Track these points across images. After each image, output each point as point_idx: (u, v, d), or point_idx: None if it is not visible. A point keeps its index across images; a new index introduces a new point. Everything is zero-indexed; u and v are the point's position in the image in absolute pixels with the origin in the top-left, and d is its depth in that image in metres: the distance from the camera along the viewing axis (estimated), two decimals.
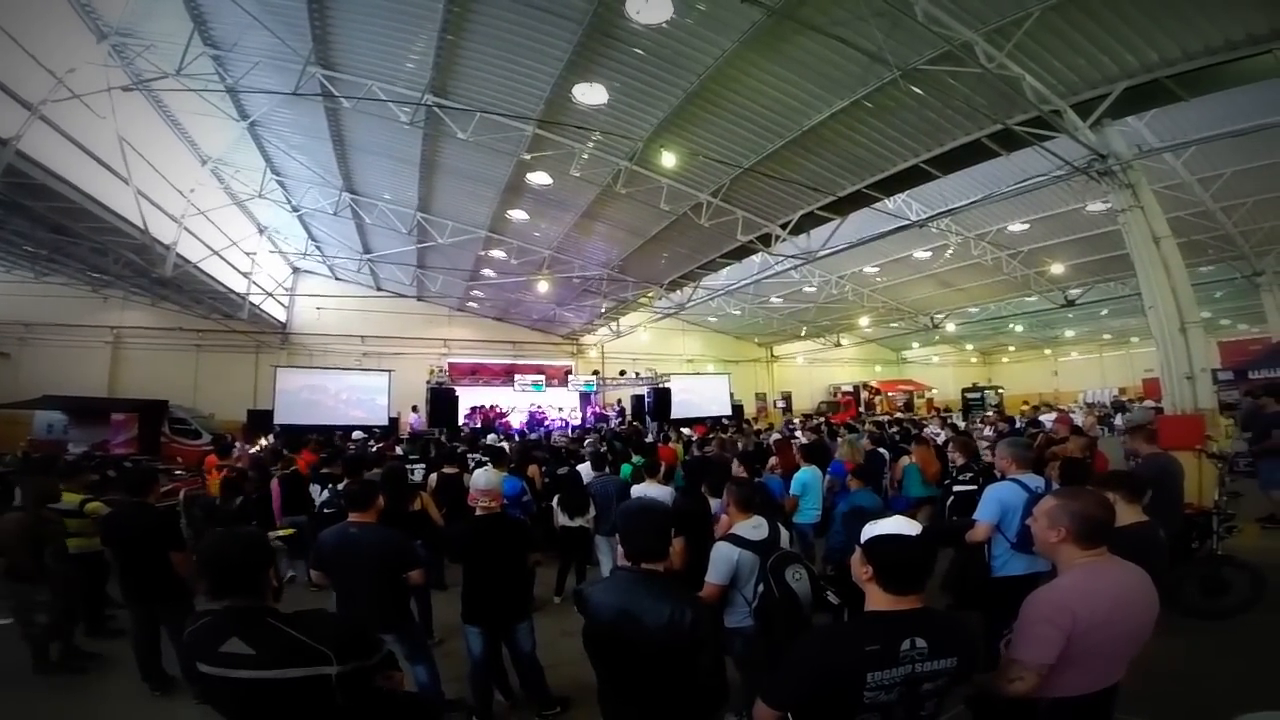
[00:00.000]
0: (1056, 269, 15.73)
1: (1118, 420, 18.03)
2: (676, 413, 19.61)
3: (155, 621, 4.32)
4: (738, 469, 6.78)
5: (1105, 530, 2.10)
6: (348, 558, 3.52)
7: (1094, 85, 7.22)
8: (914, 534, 1.78)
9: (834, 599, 3.39)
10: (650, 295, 18.61)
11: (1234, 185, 10.45)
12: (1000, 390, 26.78)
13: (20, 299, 15.02)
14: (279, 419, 16.35)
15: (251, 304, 15.63)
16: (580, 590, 2.38)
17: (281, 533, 5.08)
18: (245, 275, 14.91)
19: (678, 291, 17.95)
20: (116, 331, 17.34)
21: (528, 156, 10.20)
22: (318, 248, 17.79)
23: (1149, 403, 16.31)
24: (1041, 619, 1.97)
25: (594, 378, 22.84)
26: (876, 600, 1.80)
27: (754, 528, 3.55)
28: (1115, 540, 2.13)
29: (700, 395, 21.45)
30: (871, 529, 1.83)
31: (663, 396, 20.25)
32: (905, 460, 7.63)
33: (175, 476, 10.29)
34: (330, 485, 6.66)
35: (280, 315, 19.50)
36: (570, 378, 22.72)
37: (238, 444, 11.78)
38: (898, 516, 1.87)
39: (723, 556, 3.42)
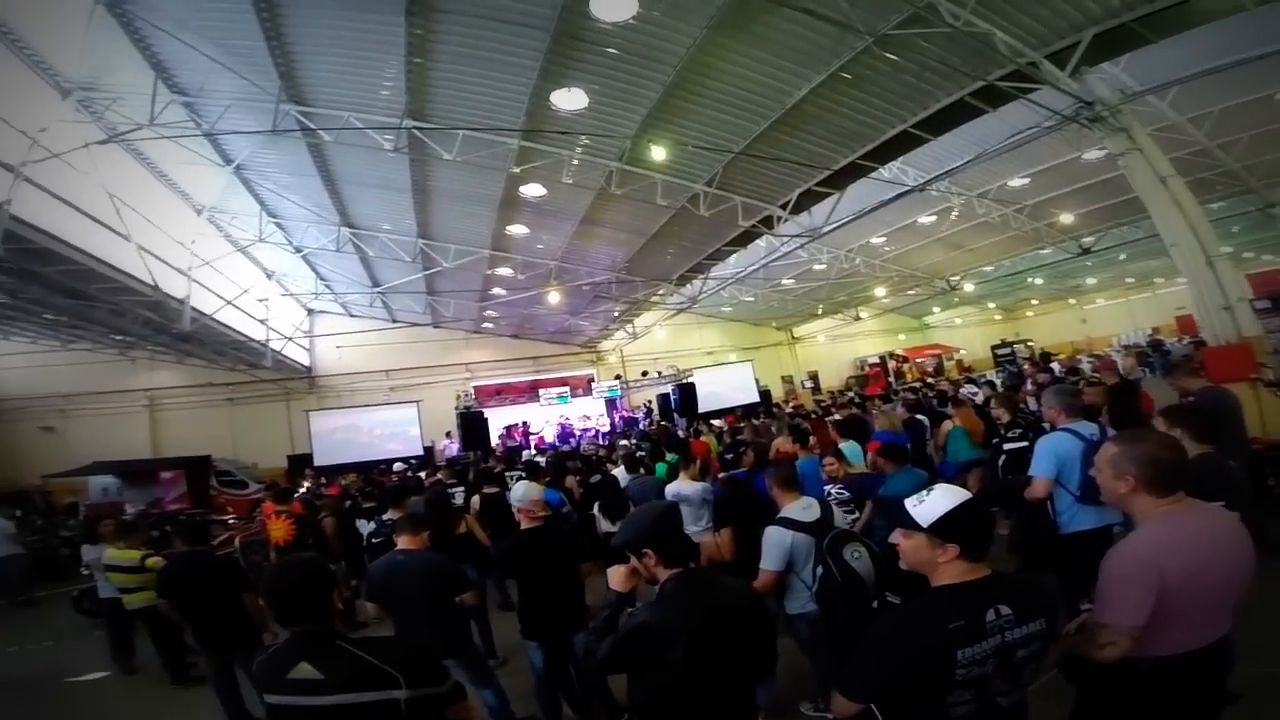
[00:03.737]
0: (1066, 219, 15.34)
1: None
2: (704, 406, 19.41)
3: (231, 664, 4.41)
4: (786, 444, 6.68)
5: (1179, 473, 1.88)
6: (398, 585, 3.58)
7: (1063, 35, 7.06)
8: (972, 497, 1.75)
9: (895, 599, 3.20)
10: (661, 293, 18.50)
11: (1227, 121, 10.27)
12: (1030, 343, 26.06)
13: (53, 371, 15.61)
14: (319, 461, 16.85)
15: (274, 351, 15.92)
16: (644, 626, 1.98)
17: None
18: (262, 322, 15.18)
19: (688, 286, 17.81)
20: (150, 394, 17.93)
21: (517, 170, 10.18)
22: (327, 286, 18.08)
23: (1186, 339, 15.69)
24: (1126, 578, 1.81)
25: (617, 382, 22.80)
26: (946, 574, 1.72)
27: (804, 509, 3.45)
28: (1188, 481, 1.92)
29: (726, 385, 21.20)
30: (931, 509, 1.74)
31: (688, 392, 20.10)
32: (948, 425, 7.43)
33: (229, 525, 10.72)
34: (376, 518, 6.75)
35: (303, 359, 19.89)
36: (594, 385, 22.72)
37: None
38: (941, 486, 1.82)
39: (775, 541, 3.34)
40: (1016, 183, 13.17)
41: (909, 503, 1.79)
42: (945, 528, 1.70)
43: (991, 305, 30.63)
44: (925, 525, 1.71)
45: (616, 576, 2.20)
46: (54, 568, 10.59)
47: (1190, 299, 7.04)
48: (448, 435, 19.07)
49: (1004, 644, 1.60)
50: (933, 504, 1.73)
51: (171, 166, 10.77)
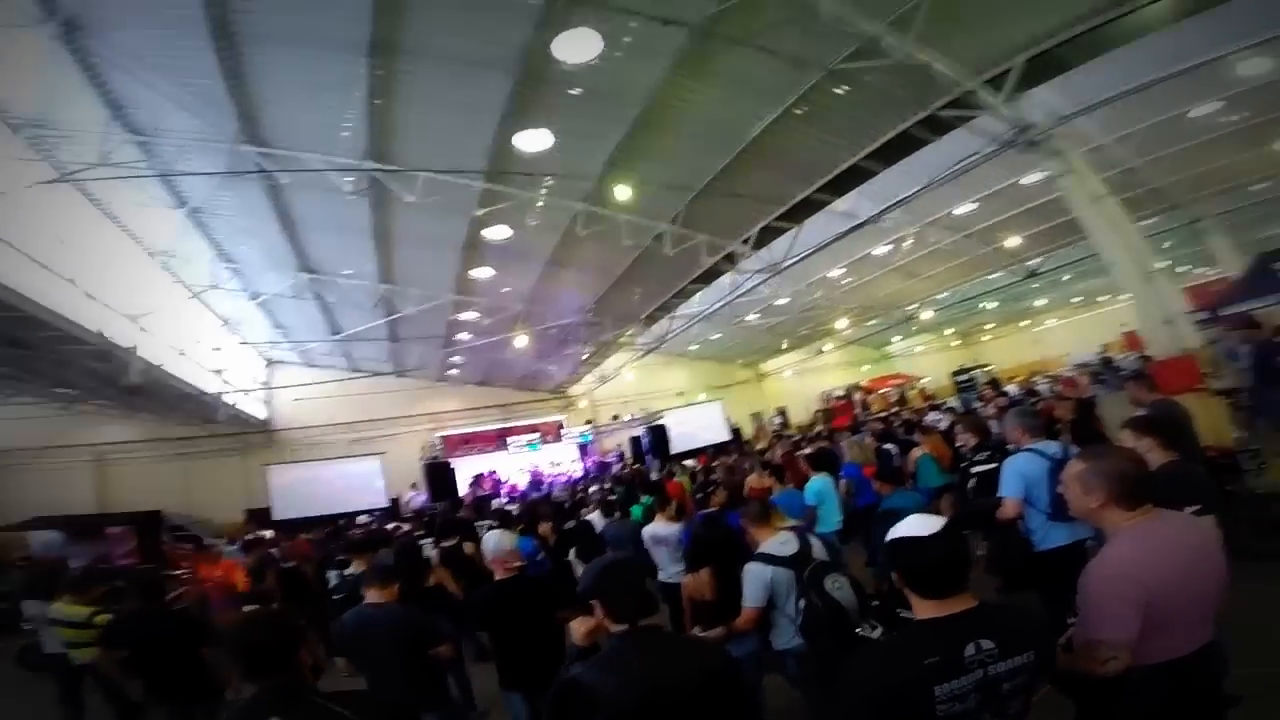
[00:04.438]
0: (1013, 242, 15.91)
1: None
2: (676, 447, 19.33)
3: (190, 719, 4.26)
4: (762, 479, 6.69)
5: (1145, 485, 1.95)
6: (369, 639, 3.48)
7: (996, 62, 7.43)
8: (931, 532, 1.67)
9: (871, 631, 3.14)
10: (630, 333, 18.56)
11: (1150, 140, 10.75)
12: (988, 368, 26.82)
13: None
14: (278, 515, 16.28)
15: (228, 405, 15.36)
16: (572, 682, 1.88)
17: None
18: (218, 373, 14.65)
19: (655, 325, 17.91)
20: (97, 450, 17.04)
21: (480, 212, 10.16)
22: (284, 335, 17.63)
23: (1133, 354, 16.33)
24: (1108, 595, 1.82)
25: (588, 427, 22.58)
26: (921, 609, 1.70)
27: (782, 543, 3.45)
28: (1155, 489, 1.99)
29: (697, 425, 21.20)
30: (890, 534, 1.74)
31: (659, 433, 20.03)
32: (917, 452, 7.59)
33: (184, 581, 10.15)
34: (339, 570, 6.69)
35: (260, 412, 19.20)
36: (563, 431, 22.47)
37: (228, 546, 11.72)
38: (913, 516, 1.78)
39: (756, 577, 3.33)
40: (963, 209, 13.58)
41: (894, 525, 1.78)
42: (891, 557, 1.73)
43: (949, 332, 31.53)
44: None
45: (579, 628, 2.16)
46: None
47: (1135, 314, 7.31)
48: (413, 487, 18.62)
49: (986, 678, 1.57)
50: (894, 530, 1.74)
51: (123, 208, 10.43)
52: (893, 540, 1.73)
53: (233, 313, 15.89)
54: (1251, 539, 4.40)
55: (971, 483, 5.06)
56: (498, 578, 3.81)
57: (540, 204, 10.11)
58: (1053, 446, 3.89)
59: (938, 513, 6.54)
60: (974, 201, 13.30)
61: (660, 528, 5.58)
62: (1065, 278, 20.09)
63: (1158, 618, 1.79)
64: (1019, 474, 3.72)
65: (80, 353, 9.82)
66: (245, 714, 1.85)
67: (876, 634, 3.03)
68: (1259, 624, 2.91)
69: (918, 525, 1.71)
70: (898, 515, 4.50)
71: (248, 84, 7.44)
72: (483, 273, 13.34)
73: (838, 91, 7.59)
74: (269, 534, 12.50)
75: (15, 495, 14.92)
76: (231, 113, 7.81)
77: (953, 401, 18.34)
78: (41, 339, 8.98)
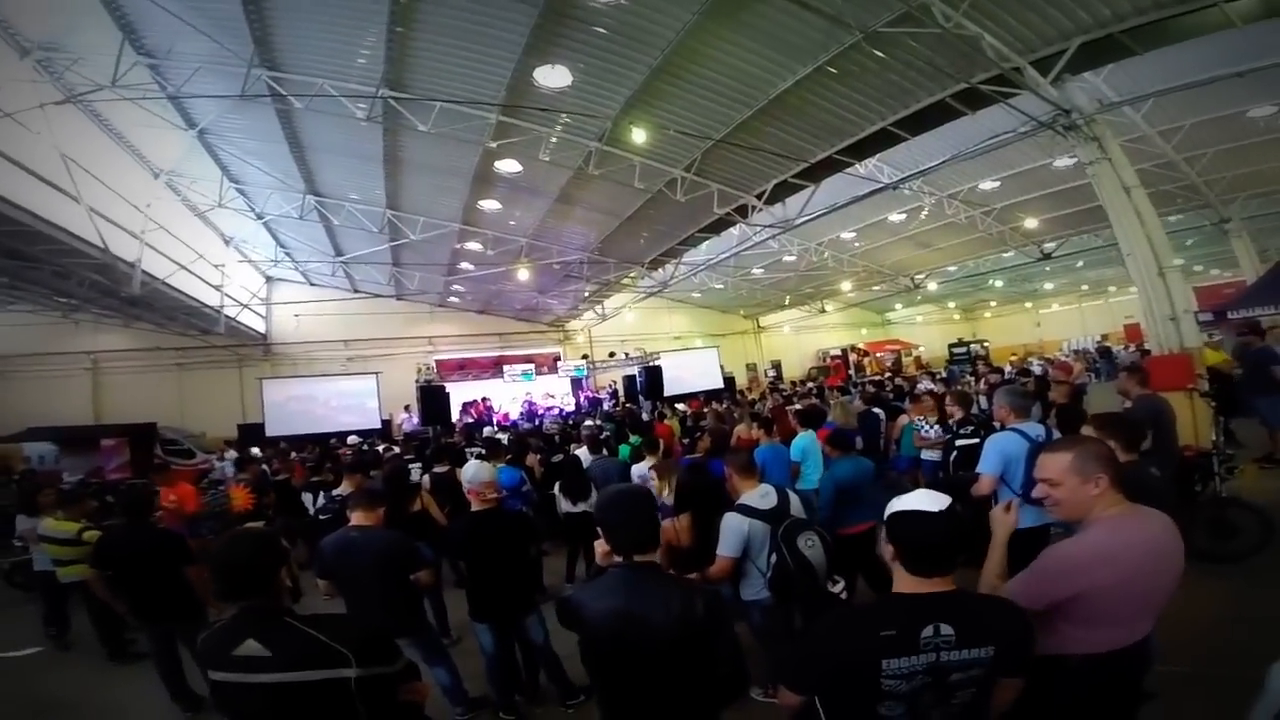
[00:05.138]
0: (1030, 224, 15.81)
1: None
2: (669, 390, 19.52)
3: (173, 641, 4.28)
4: (751, 430, 6.75)
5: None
6: (351, 562, 3.47)
7: (1050, 42, 7.17)
8: (938, 509, 1.64)
9: (837, 588, 3.23)
10: (633, 275, 18.44)
11: (1194, 136, 10.55)
12: (985, 344, 26.98)
13: None
14: (271, 431, 16.28)
15: (228, 317, 15.32)
16: (568, 599, 2.04)
17: None
18: (217, 289, 14.56)
19: (660, 270, 17.79)
20: (94, 357, 17.01)
21: (493, 145, 9.92)
22: (287, 254, 17.45)
23: (1132, 347, 16.51)
24: (1055, 574, 1.87)
25: (584, 362, 22.71)
26: (902, 582, 1.68)
27: (762, 496, 3.50)
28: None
29: (691, 371, 21.36)
30: (894, 505, 1.71)
31: (654, 375, 20.17)
32: (903, 420, 7.65)
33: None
34: (324, 491, 6.73)
35: (259, 326, 19.17)
36: (560, 364, 22.58)
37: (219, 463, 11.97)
38: (922, 490, 1.75)
39: (733, 528, 3.37)
40: (987, 185, 13.46)
41: (898, 497, 1.76)
42: (891, 528, 1.70)
43: (952, 305, 31.59)
44: (884, 518, 1.72)
45: (600, 549, 2.19)
46: None
47: (1140, 308, 7.33)
48: (406, 409, 18.72)
49: (938, 663, 1.55)
50: (900, 502, 1.71)
51: (130, 129, 10.22)
52: (897, 513, 1.68)
53: (237, 231, 15.71)
54: (1205, 540, 4.54)
55: (953, 455, 5.21)
56: (474, 508, 3.82)
57: (554, 140, 9.90)
58: (1036, 429, 3.90)
59: (914, 481, 6.68)
60: (997, 179, 13.09)
61: (647, 468, 5.65)
62: (1079, 264, 20.04)
63: (1111, 609, 1.82)
64: (1000, 452, 3.73)
65: (82, 265, 9.77)
66: (223, 635, 1.83)
67: (839, 589, 3.22)
68: (1187, 621, 3.02)
69: (925, 501, 1.67)
70: (845, 482, 4.55)
71: (265, 7, 7.14)
72: (491, 204, 13.14)
73: (876, 54, 7.26)
74: (257, 451, 12.61)
75: (13, 402, 15.05)
76: (247, 36, 7.52)
77: (942, 371, 18.53)
78: (43, 252, 8.92)
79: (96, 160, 9.53)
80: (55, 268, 9.71)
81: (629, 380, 21.46)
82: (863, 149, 10.04)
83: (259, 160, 11.74)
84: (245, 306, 16.93)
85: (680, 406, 15.57)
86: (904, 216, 15.47)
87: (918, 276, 21.50)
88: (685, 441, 9.75)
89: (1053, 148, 10.30)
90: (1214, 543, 4.59)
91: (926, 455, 6.72)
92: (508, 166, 11.18)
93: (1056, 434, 3.92)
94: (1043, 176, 12.91)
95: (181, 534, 5.12)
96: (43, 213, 8.09)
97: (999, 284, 25.01)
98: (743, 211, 12.59)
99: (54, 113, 8.09)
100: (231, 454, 12.76)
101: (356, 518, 3.60)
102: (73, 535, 5.30)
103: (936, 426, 6.82)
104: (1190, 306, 6.89)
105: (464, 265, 17.35)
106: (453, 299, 21.76)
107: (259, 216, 14.15)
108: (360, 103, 8.65)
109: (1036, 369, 14.32)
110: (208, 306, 14.34)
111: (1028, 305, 31.75)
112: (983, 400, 8.94)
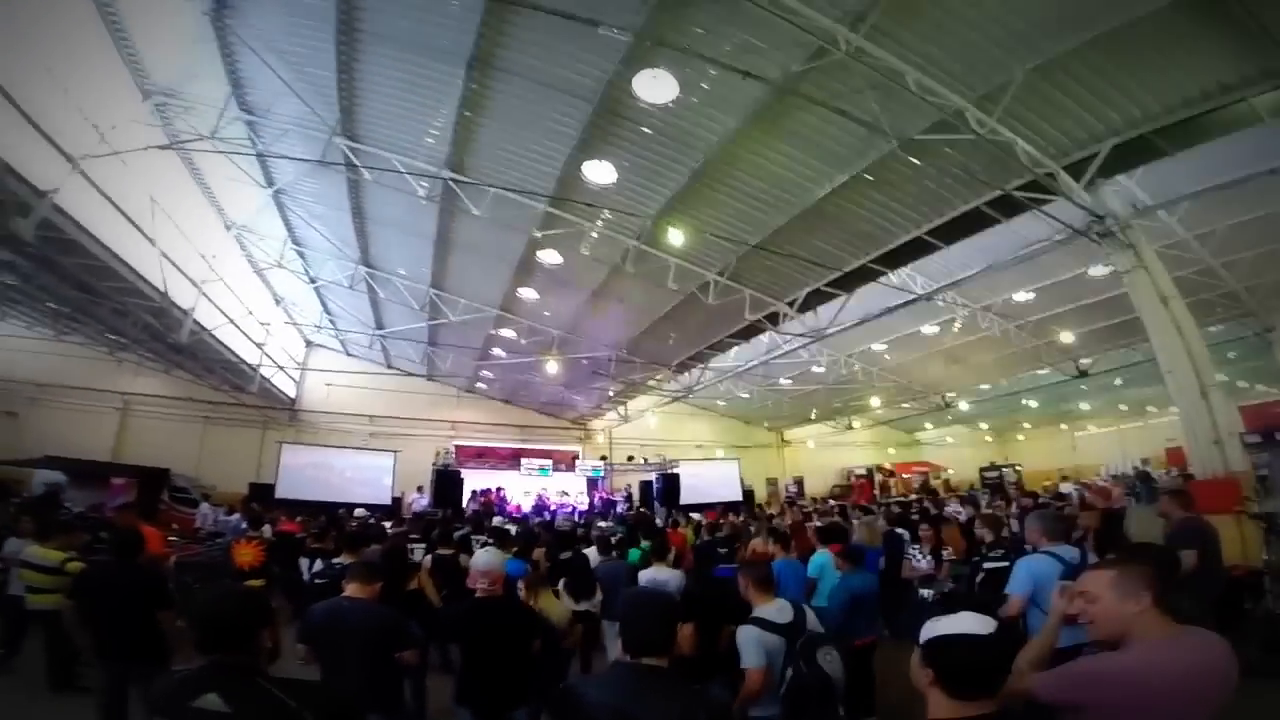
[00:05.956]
0: (1066, 337, 15.27)
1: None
2: (686, 498, 19.12)
3: (125, 682, 4.12)
4: (767, 546, 6.57)
5: None
6: (337, 631, 3.43)
7: (1083, 145, 7.35)
8: (988, 632, 1.59)
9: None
10: (659, 378, 18.57)
11: (1231, 239, 10.26)
12: (1018, 467, 26.01)
13: (35, 357, 15.25)
14: (280, 493, 16.23)
15: (262, 377, 15.76)
16: (568, 687, 2.11)
17: None
18: (259, 346, 15.10)
19: (686, 374, 17.91)
20: (126, 398, 17.44)
21: (539, 234, 10.45)
22: (331, 321, 18.15)
23: (1175, 471, 15.68)
24: (1074, 678, 1.79)
25: (601, 463, 22.46)
26: (939, 707, 1.59)
27: (778, 610, 3.47)
28: None
29: (709, 481, 20.96)
30: (933, 627, 1.64)
31: (671, 482, 19.84)
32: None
33: (170, 543, 10.07)
34: (322, 559, 6.71)
35: (290, 390, 19.63)
36: (578, 462, 22.38)
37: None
38: (966, 613, 1.67)
39: (751, 639, 3.31)
40: (1022, 296, 13.12)
41: (932, 619, 1.71)
42: (929, 650, 1.63)
43: (984, 425, 30.73)
44: (921, 642, 1.65)
45: None
46: None
47: (1182, 429, 7.03)
48: (419, 489, 18.62)
49: None
50: (940, 624, 1.64)
51: (215, 179, 11.08)
52: (940, 636, 1.62)
53: (288, 292, 16.53)
54: (1260, 657, 4.49)
55: (980, 577, 5.12)
56: (477, 595, 3.77)
57: (595, 235, 10.35)
58: (1070, 551, 3.93)
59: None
60: (1031, 290, 12.89)
61: (660, 573, 5.70)
62: (1117, 382, 19.49)
63: None
64: (1029, 573, 3.76)
65: (141, 306, 10.28)
66: (184, 684, 1.81)
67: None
68: None
69: (972, 624, 1.60)
70: (857, 596, 4.68)
71: (355, 79, 7.94)
72: (529, 293, 13.63)
73: (912, 161, 7.55)
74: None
75: (39, 428, 15.34)
76: (335, 104, 8.32)
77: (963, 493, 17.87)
78: (109, 288, 9.46)
79: (178, 206, 10.28)
80: (116, 305, 10.23)
81: (645, 485, 21.07)
82: (897, 257, 10.25)
83: (323, 225, 12.48)
84: (281, 368, 17.41)
85: (695, 516, 15.09)
86: (937, 329, 15.29)
87: (949, 395, 21.10)
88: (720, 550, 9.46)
89: (1088, 255, 10.11)
90: (1267, 660, 4.46)
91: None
92: (549, 257, 11.63)
93: (1093, 557, 3.94)
94: (1078, 288, 12.59)
95: (164, 576, 5.03)
96: (118, 250, 8.68)
97: (1033, 404, 24.34)
98: (774, 319, 12.79)
99: (152, 156, 8.82)
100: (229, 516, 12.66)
101: (352, 589, 3.61)
102: (56, 564, 5.30)
103: (929, 556, 6.48)
104: (1236, 428, 6.59)
105: (496, 351, 17.75)
106: (480, 385, 22.09)
107: (311, 280, 14.88)
108: (423, 181, 9.31)
109: (1072, 493, 13.68)
110: (245, 363, 14.79)
111: (1063, 427, 30.56)
112: (1013, 523, 8.55)
